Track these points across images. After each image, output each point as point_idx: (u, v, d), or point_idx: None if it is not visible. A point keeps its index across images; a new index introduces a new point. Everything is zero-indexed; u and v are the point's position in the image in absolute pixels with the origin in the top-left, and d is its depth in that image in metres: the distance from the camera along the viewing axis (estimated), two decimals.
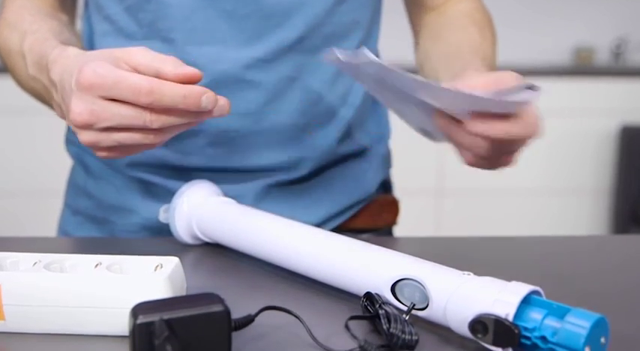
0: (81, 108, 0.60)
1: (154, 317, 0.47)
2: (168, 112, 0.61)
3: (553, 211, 2.60)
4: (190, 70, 0.61)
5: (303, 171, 0.86)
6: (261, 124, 0.83)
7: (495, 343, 0.50)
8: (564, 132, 2.56)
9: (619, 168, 2.59)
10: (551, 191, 2.59)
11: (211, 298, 0.50)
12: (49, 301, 0.53)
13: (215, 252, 0.73)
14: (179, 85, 0.60)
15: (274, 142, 0.84)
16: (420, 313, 0.55)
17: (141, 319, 0.47)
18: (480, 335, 0.50)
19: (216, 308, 0.49)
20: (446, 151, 2.55)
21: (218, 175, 0.81)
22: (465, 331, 0.51)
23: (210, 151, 0.83)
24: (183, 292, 0.57)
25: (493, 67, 0.76)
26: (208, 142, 0.83)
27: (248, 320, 0.53)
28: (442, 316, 0.54)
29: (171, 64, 0.61)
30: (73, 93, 0.61)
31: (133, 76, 0.59)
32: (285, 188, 0.86)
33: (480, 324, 0.50)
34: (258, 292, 0.64)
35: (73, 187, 0.93)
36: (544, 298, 0.51)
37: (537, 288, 0.51)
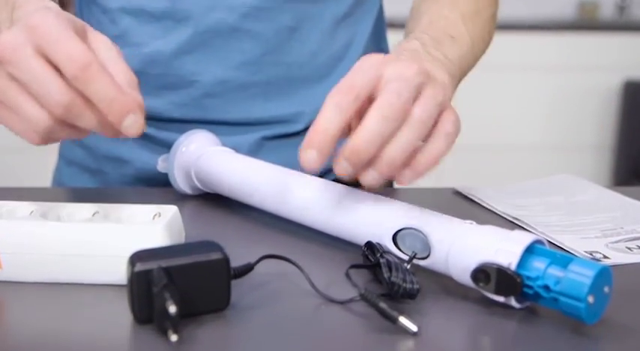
0: (8, 39, 0.52)
1: (152, 265, 0.47)
2: (81, 106, 0.52)
3: (554, 167, 2.59)
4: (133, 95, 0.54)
5: (300, 125, 0.85)
6: (258, 75, 0.82)
7: (497, 292, 0.49)
8: (567, 87, 2.55)
9: (621, 123, 2.58)
10: (552, 147, 2.58)
11: (210, 246, 0.49)
12: (46, 250, 0.52)
13: (214, 202, 0.72)
14: (117, 84, 0.52)
15: (272, 95, 0.83)
16: (421, 263, 0.55)
17: (139, 267, 0.47)
18: (482, 284, 0.50)
19: (216, 256, 0.49)
20: None
21: (213, 127, 0.80)
22: (467, 280, 0.51)
23: (205, 103, 0.82)
24: (182, 241, 0.56)
25: (440, 42, 0.70)
26: (203, 94, 0.82)
27: (247, 268, 0.53)
28: (444, 266, 0.53)
29: (127, 73, 0.55)
30: (15, 26, 0.53)
31: (80, 44, 0.52)
32: (281, 141, 0.85)
33: (482, 273, 0.50)
34: (258, 241, 0.64)
35: None
36: (547, 247, 0.51)
37: (540, 237, 0.51)
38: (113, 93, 0.52)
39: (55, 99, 0.51)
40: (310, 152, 0.52)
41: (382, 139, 0.53)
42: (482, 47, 0.82)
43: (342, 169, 0.54)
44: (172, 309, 0.44)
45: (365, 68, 0.55)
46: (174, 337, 0.44)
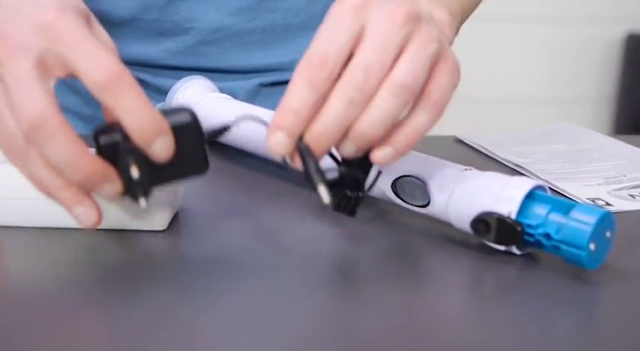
0: (14, 36, 0.45)
1: (117, 137, 0.44)
2: (53, 126, 0.44)
3: (555, 119, 2.58)
4: None
5: None
6: (254, 22, 0.81)
7: (498, 242, 0.49)
8: (568, 39, 2.52)
9: (623, 77, 2.55)
10: (553, 99, 2.57)
11: (179, 110, 0.46)
12: (39, 194, 0.52)
13: (212, 148, 0.72)
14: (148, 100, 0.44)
15: (269, 42, 0.82)
16: (421, 210, 0.54)
17: (104, 140, 0.44)
18: (482, 234, 0.49)
19: (184, 118, 0.46)
20: None
21: (209, 74, 0.79)
22: (467, 228, 0.51)
23: (201, 50, 0.81)
24: (181, 187, 0.55)
25: None
26: (199, 41, 0.81)
27: (223, 128, 0.49)
28: (444, 213, 0.53)
29: None
30: (20, 17, 0.46)
31: (108, 53, 0.44)
32: (279, 87, 0.84)
33: (482, 223, 0.49)
34: (256, 186, 0.63)
35: (61, 83, 0.91)
36: (549, 193, 0.50)
37: (542, 183, 0.50)
38: (144, 112, 0.44)
39: (26, 109, 0.44)
40: (279, 135, 0.45)
41: (347, 121, 0.45)
42: None
43: (281, 146, 0.46)
44: (135, 173, 0.42)
45: (342, 23, 0.46)
46: (142, 202, 0.43)
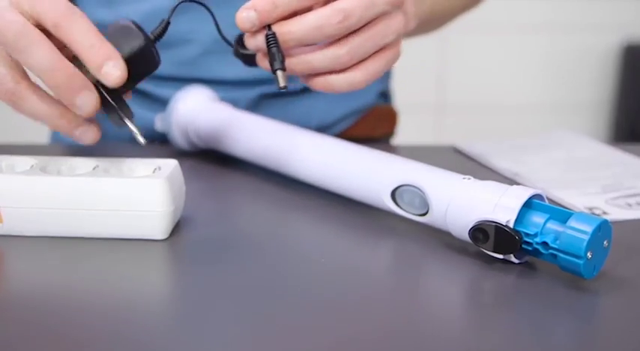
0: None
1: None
2: (33, 36, 0.51)
3: (552, 128, 2.58)
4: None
5: (299, 84, 0.84)
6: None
7: (496, 250, 0.50)
8: (566, 48, 2.53)
9: (620, 85, 2.56)
10: (551, 107, 2.57)
11: (126, 31, 0.55)
12: (46, 204, 0.52)
13: (213, 158, 0.72)
14: (99, 33, 0.51)
15: None
16: (420, 219, 0.55)
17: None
18: (480, 243, 0.50)
19: (134, 42, 0.54)
20: (446, 66, 2.50)
21: (211, 85, 0.80)
22: (465, 237, 0.51)
23: (202, 61, 0.82)
24: (182, 195, 0.56)
25: None
26: (202, 52, 0.81)
27: (164, 25, 0.58)
28: (443, 222, 0.53)
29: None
30: None
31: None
32: (280, 98, 0.85)
33: (480, 231, 0.50)
34: (257, 195, 0.64)
35: None
36: (546, 202, 0.51)
37: (539, 191, 0.50)
38: (94, 39, 0.50)
39: (8, 25, 0.50)
40: (250, 12, 0.52)
41: (304, 42, 0.54)
42: None
43: (249, 21, 0.54)
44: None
45: None
46: (129, 123, 0.54)
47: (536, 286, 0.48)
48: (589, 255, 0.46)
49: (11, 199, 0.53)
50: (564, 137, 0.84)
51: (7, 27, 0.50)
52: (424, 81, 2.45)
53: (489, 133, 2.49)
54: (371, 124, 0.92)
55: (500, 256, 0.50)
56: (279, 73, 0.53)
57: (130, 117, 0.55)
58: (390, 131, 0.96)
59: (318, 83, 0.59)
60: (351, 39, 0.55)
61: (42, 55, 0.50)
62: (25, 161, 0.56)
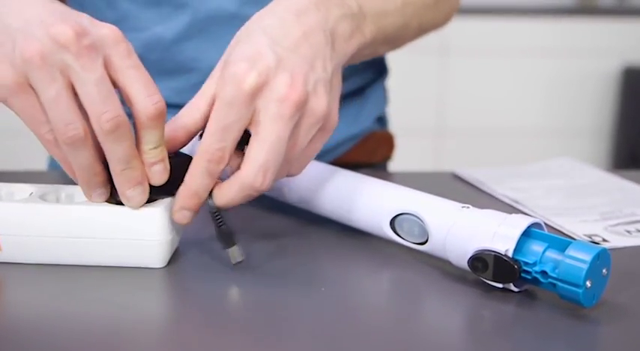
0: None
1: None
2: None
3: (553, 152, 2.59)
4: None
5: None
6: None
7: (495, 279, 0.50)
8: (566, 72, 2.54)
9: (620, 110, 2.57)
10: (551, 132, 2.58)
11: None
12: (45, 232, 0.52)
13: None
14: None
15: None
16: (420, 248, 0.55)
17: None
18: (479, 272, 0.50)
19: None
20: (446, 90, 2.51)
21: None
22: (465, 265, 0.51)
23: None
24: (180, 225, 0.56)
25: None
26: (203, 80, 0.81)
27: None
28: (442, 251, 0.53)
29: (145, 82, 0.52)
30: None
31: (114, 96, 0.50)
32: None
33: (479, 261, 0.50)
34: (255, 222, 0.64)
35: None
36: (545, 230, 0.51)
37: (538, 220, 0.50)
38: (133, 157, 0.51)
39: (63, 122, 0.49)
40: (184, 212, 0.53)
41: (243, 202, 0.54)
42: (420, 11, 0.76)
43: (186, 219, 0.54)
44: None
45: (236, 110, 0.52)
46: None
47: (535, 314, 0.48)
48: (588, 284, 0.46)
49: (10, 227, 0.53)
50: (564, 164, 0.84)
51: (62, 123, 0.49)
52: (424, 105, 2.46)
53: (489, 157, 2.50)
54: (369, 149, 0.92)
55: (500, 285, 0.50)
56: (233, 248, 0.54)
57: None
58: (387, 156, 0.96)
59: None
60: (283, 162, 0.54)
61: (127, 147, 0.50)
62: (24, 189, 0.56)
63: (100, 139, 0.50)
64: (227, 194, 0.53)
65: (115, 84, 0.50)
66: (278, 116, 0.52)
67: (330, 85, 0.56)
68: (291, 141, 0.54)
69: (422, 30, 0.81)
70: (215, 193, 0.54)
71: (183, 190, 0.53)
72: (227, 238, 0.54)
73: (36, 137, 0.52)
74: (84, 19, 0.50)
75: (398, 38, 0.75)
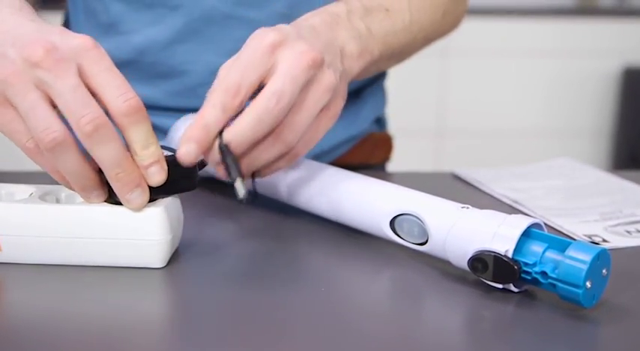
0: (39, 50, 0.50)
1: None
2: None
3: (553, 153, 2.58)
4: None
5: None
6: None
7: (495, 280, 0.50)
8: (566, 73, 2.54)
9: (620, 110, 2.57)
10: (551, 132, 2.58)
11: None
12: (45, 232, 0.53)
13: (211, 185, 0.72)
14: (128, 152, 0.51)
15: None
16: (420, 248, 0.55)
17: None
18: (479, 272, 0.50)
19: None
20: (446, 91, 2.51)
21: None
22: (465, 265, 0.51)
23: (199, 92, 0.81)
24: (180, 223, 0.56)
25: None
26: (197, 83, 0.81)
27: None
28: (442, 251, 0.53)
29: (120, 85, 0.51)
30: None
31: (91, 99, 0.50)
32: None
33: (479, 261, 0.50)
34: (256, 223, 0.64)
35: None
36: (545, 231, 0.51)
37: (538, 220, 0.51)
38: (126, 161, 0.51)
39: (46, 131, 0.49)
40: (190, 145, 0.52)
41: (253, 140, 0.54)
42: (427, 27, 0.77)
43: (189, 156, 0.53)
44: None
45: (257, 59, 0.54)
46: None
47: (535, 315, 0.48)
48: (588, 284, 0.46)
49: (10, 227, 0.53)
50: (564, 165, 0.84)
51: (44, 133, 0.50)
52: (424, 105, 2.46)
53: (488, 158, 2.50)
54: (367, 150, 0.92)
55: (500, 286, 0.50)
56: (238, 183, 0.52)
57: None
58: (386, 157, 0.96)
59: (265, 174, 0.59)
60: (290, 119, 0.55)
61: (113, 149, 0.50)
62: (24, 189, 0.56)
63: (86, 145, 0.50)
64: (239, 123, 0.53)
65: (92, 92, 0.50)
66: (295, 62, 0.54)
67: (339, 74, 0.58)
68: (298, 100, 0.55)
69: (428, 41, 0.81)
70: (226, 129, 0.53)
71: (193, 123, 0.53)
72: (233, 170, 0.52)
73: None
74: (55, 34, 0.51)
75: (404, 53, 0.76)
